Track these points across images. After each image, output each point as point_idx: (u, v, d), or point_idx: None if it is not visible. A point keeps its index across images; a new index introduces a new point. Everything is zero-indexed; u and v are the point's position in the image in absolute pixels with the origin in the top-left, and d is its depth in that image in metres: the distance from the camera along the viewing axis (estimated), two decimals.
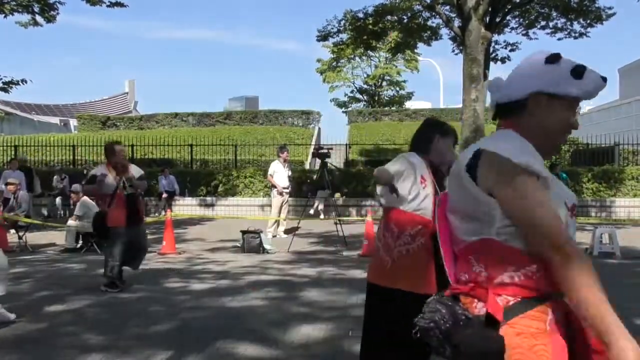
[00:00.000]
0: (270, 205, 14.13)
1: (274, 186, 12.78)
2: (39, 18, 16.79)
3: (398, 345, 3.02)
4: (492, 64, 18.26)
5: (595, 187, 17.68)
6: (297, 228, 11.69)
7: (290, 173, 12.95)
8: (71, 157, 22.30)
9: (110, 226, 7.02)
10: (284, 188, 12.55)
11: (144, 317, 5.71)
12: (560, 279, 1.50)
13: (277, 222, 12.75)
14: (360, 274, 8.19)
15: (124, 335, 5.06)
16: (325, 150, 11.96)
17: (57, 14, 16.86)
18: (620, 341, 1.40)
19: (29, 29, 16.95)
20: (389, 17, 17.65)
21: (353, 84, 48.61)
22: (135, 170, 7.38)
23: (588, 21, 17.95)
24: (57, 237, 11.88)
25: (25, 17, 16.77)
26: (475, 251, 1.66)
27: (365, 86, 48.30)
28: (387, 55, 42.43)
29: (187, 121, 35.66)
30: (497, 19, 16.18)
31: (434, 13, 17.21)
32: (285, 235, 12.47)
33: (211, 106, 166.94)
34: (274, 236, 12.36)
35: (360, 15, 17.70)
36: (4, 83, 17.17)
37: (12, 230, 11.37)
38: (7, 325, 5.29)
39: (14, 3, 16.13)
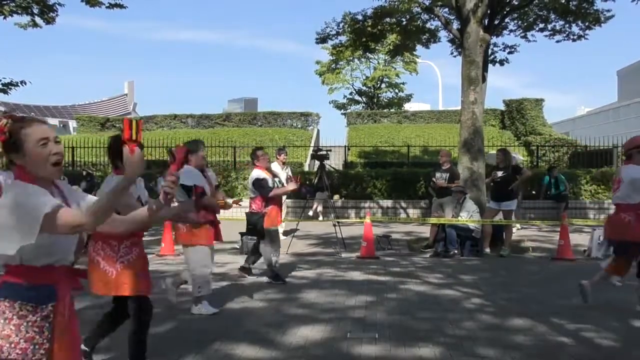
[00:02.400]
0: None
1: None
2: (38, 19, 16.80)
3: None
4: (490, 66, 18.27)
5: (594, 189, 17.72)
6: (295, 230, 11.71)
7: (290, 174, 12.94)
8: (70, 158, 22.31)
9: (266, 227, 7.41)
10: None
11: None
12: None
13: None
14: (358, 275, 8.22)
15: (122, 337, 5.06)
16: (324, 152, 11.98)
17: (57, 15, 16.88)
18: None
19: (28, 30, 16.96)
20: (387, 20, 17.66)
21: (352, 85, 48.65)
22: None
23: (586, 23, 17.94)
24: None
25: (25, 19, 16.78)
26: None
27: (364, 88, 48.32)
28: (386, 58, 42.46)
29: (186, 123, 35.67)
30: (496, 22, 16.18)
31: (432, 15, 17.21)
32: (284, 237, 12.48)
33: (210, 108, 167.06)
34: None
35: (359, 17, 17.69)
36: (3, 84, 17.18)
37: None
38: None
39: (13, 4, 16.15)
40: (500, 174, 10.53)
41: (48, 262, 2.25)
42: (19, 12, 16.37)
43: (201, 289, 5.77)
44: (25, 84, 17.38)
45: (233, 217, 15.33)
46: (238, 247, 10.75)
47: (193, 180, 5.54)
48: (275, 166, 12.61)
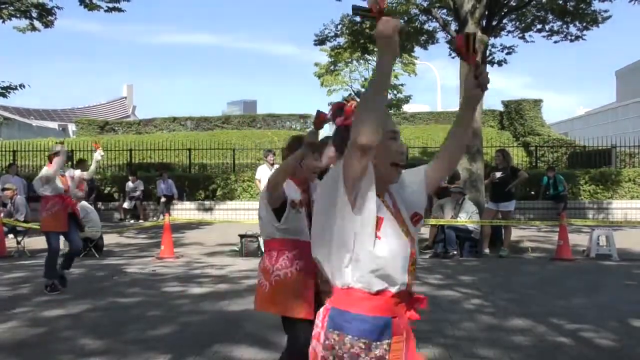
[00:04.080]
0: None
1: None
2: (36, 23, 16.80)
3: None
4: (489, 67, 18.30)
5: (593, 189, 17.72)
6: None
7: None
8: (69, 162, 22.30)
9: None
10: None
11: (142, 321, 5.73)
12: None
13: None
14: None
15: (122, 339, 5.08)
16: None
17: (55, 19, 16.88)
18: None
19: (27, 34, 16.97)
20: None
21: (351, 87, 48.59)
22: None
23: (584, 24, 17.99)
24: None
25: (23, 22, 16.79)
26: None
27: (363, 90, 48.35)
28: None
29: (186, 125, 35.67)
30: (494, 22, 16.21)
31: (430, 17, 17.25)
32: None
33: (209, 110, 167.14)
34: None
35: (357, 19, 17.75)
36: (2, 88, 17.17)
37: (11, 235, 11.37)
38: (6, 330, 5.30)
39: (12, 8, 16.15)
40: (498, 174, 10.55)
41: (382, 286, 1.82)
42: (18, 15, 16.38)
43: None
44: (24, 87, 17.39)
45: (232, 220, 15.34)
46: (237, 249, 10.75)
47: None
48: (264, 168, 12.63)
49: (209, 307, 6.36)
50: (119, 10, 16.71)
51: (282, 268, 3.22)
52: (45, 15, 16.64)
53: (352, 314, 1.78)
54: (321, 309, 1.90)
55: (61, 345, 4.90)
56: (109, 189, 18.21)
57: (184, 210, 17.45)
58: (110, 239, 12.19)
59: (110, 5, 16.54)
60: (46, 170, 7.25)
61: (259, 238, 10.75)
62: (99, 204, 16.54)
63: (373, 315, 1.79)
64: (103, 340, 5.02)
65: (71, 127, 49.70)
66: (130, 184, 16.99)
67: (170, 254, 10.30)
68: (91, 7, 16.32)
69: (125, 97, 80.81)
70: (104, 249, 11.21)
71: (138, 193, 16.95)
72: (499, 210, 10.68)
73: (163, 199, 16.85)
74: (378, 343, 1.78)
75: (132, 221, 16.52)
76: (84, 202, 10.80)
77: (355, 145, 1.69)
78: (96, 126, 36.24)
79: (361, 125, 1.68)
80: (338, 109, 2.16)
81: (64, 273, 7.41)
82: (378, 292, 1.79)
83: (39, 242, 12.17)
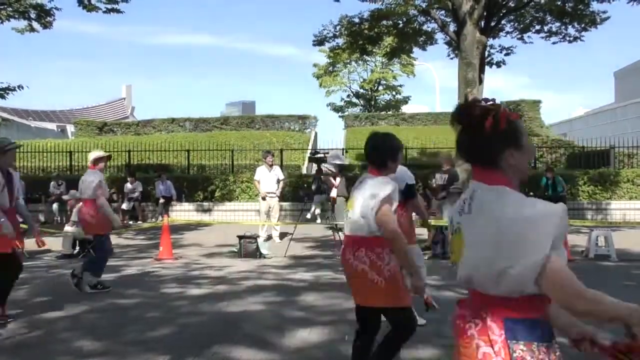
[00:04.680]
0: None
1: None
2: (35, 24, 16.82)
3: None
4: (487, 67, 18.32)
5: (591, 190, 17.74)
6: (291, 233, 11.70)
7: (282, 177, 12.89)
8: (68, 163, 22.29)
9: None
10: (269, 192, 12.44)
11: (141, 322, 5.72)
12: None
13: (265, 225, 12.66)
14: None
15: (121, 340, 5.07)
16: (322, 155, 11.98)
17: (54, 20, 16.90)
18: None
19: (26, 35, 16.98)
20: (384, 22, 17.72)
21: (349, 88, 48.76)
22: None
23: (582, 25, 18.03)
24: (54, 243, 11.86)
25: (22, 23, 16.80)
26: None
27: (361, 90, 48.42)
28: (383, 60, 42.55)
29: (184, 126, 35.68)
30: (492, 23, 16.25)
31: (429, 18, 17.28)
32: (280, 240, 12.48)
33: (208, 111, 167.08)
34: (269, 238, 12.36)
35: (356, 20, 17.76)
36: (0, 89, 17.17)
37: None
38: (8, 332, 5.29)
39: (11, 9, 16.16)
40: None
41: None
42: (16, 16, 16.39)
43: None
44: (22, 88, 17.38)
45: (230, 221, 15.33)
46: (236, 250, 10.74)
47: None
48: (263, 169, 12.60)
49: (208, 308, 6.35)
50: (118, 11, 16.74)
51: (391, 262, 3.48)
52: (44, 16, 16.66)
53: (532, 320, 1.76)
54: (472, 328, 1.85)
55: (60, 346, 4.89)
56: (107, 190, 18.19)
57: (183, 212, 17.45)
58: None
59: (109, 6, 16.56)
60: (99, 175, 7.52)
61: (257, 239, 10.76)
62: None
63: (545, 319, 1.81)
64: (102, 341, 5.02)
65: (70, 128, 49.66)
66: (128, 185, 16.98)
67: (169, 255, 10.29)
68: (90, 8, 16.34)
69: (124, 98, 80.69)
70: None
71: (137, 194, 16.94)
72: None
73: (162, 200, 16.85)
74: (554, 344, 1.83)
75: (130, 222, 16.51)
76: (81, 203, 10.77)
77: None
78: (95, 127, 36.22)
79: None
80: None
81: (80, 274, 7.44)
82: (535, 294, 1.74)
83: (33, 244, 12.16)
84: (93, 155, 7.65)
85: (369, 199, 3.49)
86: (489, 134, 1.79)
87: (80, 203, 10.76)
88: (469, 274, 1.83)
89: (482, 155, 1.85)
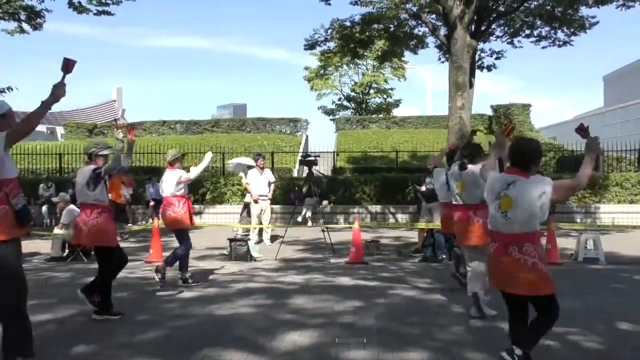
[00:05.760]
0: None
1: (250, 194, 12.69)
2: (25, 26, 16.74)
3: None
4: (477, 71, 18.43)
5: (580, 194, 17.85)
6: (282, 236, 11.70)
7: (273, 180, 12.89)
8: (58, 165, 22.17)
9: None
10: (260, 195, 12.44)
11: (131, 325, 5.70)
12: None
13: (256, 228, 12.65)
14: (347, 280, 8.23)
15: (110, 344, 5.05)
16: (313, 158, 11.97)
17: (44, 21, 16.84)
18: None
19: (15, 36, 16.89)
20: (375, 26, 17.78)
21: (341, 91, 48.81)
22: None
23: (572, 30, 18.19)
24: (42, 246, 11.81)
25: (12, 25, 16.72)
26: None
27: (352, 94, 48.48)
28: (375, 63, 42.65)
29: (175, 129, 35.59)
30: (483, 28, 16.35)
31: (420, 22, 17.36)
32: (270, 243, 12.47)
33: (199, 114, 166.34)
34: (260, 241, 12.36)
35: (347, 23, 17.82)
36: None
37: None
38: None
39: (0, 11, 16.07)
40: None
41: None
42: (6, 18, 16.31)
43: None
44: (12, 90, 17.28)
45: (221, 224, 15.30)
46: (226, 253, 10.72)
47: None
48: (254, 172, 12.59)
49: (198, 310, 6.34)
50: (108, 13, 16.70)
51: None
52: (34, 18, 16.59)
53: None
54: None
55: (49, 350, 4.86)
56: None
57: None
58: None
59: (100, 8, 16.51)
60: (178, 172, 7.87)
61: (248, 242, 10.74)
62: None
63: None
64: (90, 345, 4.99)
65: (59, 130, 49.33)
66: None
67: (159, 258, 10.22)
68: (80, 10, 16.29)
69: (115, 100, 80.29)
70: (92, 252, 11.12)
71: (127, 197, 16.84)
72: None
73: (152, 203, 16.78)
74: None
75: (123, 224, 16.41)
76: (71, 206, 10.73)
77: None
78: (85, 129, 36.08)
79: None
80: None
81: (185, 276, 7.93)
82: None
83: (25, 246, 12.08)
84: (168, 157, 8.03)
85: (535, 198, 3.93)
86: None
87: (71, 205, 10.75)
88: None
89: None
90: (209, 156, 8.36)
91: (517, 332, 4.14)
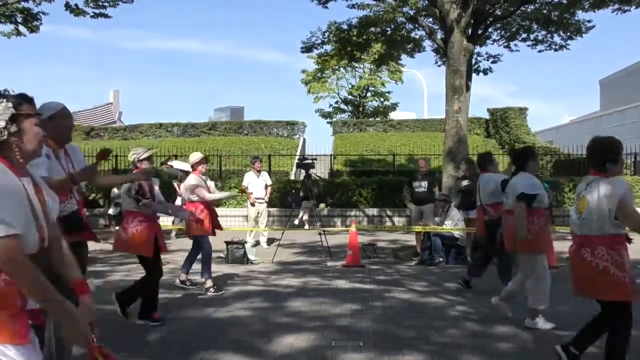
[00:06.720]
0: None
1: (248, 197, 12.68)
2: (22, 28, 16.70)
3: None
4: (474, 75, 18.47)
5: None
6: (279, 239, 11.70)
7: (269, 182, 12.90)
8: None
9: None
10: (257, 198, 12.44)
11: (126, 328, 5.68)
12: None
13: (253, 231, 12.63)
14: (344, 283, 8.23)
15: (105, 347, 5.02)
16: (310, 161, 11.98)
17: (41, 24, 16.78)
18: None
19: (12, 39, 16.85)
20: (372, 29, 17.80)
21: (338, 94, 48.80)
22: None
23: (568, 34, 18.25)
24: None
25: (8, 27, 16.68)
26: None
27: (349, 97, 48.48)
28: (372, 67, 42.68)
29: (172, 132, 35.52)
30: (479, 31, 16.38)
31: (417, 25, 17.40)
32: (267, 246, 12.46)
33: (196, 116, 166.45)
34: (256, 244, 12.34)
35: (344, 27, 17.84)
36: None
37: None
38: None
39: None
40: (465, 183, 10.50)
41: None
42: (2, 20, 16.27)
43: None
44: (8, 92, 17.22)
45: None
46: (223, 256, 10.71)
47: None
48: (251, 175, 12.59)
49: (194, 313, 6.33)
50: (106, 16, 16.67)
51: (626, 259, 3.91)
52: (31, 20, 16.55)
53: None
54: None
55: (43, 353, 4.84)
56: (94, 195, 18.08)
57: (170, 217, 17.36)
58: (94, 246, 12.05)
59: (97, 11, 16.50)
60: (196, 179, 7.88)
61: (245, 245, 10.73)
62: (84, 210, 16.41)
63: None
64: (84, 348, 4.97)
65: None
66: (115, 190, 16.82)
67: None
68: (77, 12, 16.26)
69: (112, 103, 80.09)
70: (88, 255, 11.08)
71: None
72: (469, 218, 10.65)
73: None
74: None
75: (117, 227, 16.38)
76: None
77: None
78: (81, 132, 35.97)
79: None
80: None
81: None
82: None
83: None
84: (190, 161, 8.11)
85: (605, 200, 3.82)
86: None
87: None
88: None
89: None
90: (226, 194, 9.42)
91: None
